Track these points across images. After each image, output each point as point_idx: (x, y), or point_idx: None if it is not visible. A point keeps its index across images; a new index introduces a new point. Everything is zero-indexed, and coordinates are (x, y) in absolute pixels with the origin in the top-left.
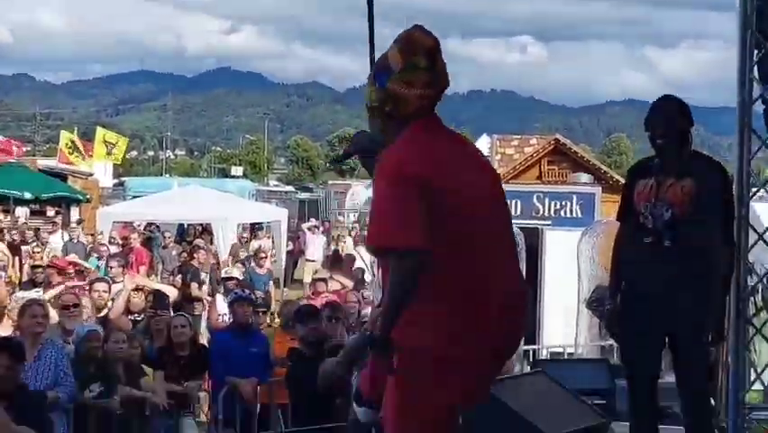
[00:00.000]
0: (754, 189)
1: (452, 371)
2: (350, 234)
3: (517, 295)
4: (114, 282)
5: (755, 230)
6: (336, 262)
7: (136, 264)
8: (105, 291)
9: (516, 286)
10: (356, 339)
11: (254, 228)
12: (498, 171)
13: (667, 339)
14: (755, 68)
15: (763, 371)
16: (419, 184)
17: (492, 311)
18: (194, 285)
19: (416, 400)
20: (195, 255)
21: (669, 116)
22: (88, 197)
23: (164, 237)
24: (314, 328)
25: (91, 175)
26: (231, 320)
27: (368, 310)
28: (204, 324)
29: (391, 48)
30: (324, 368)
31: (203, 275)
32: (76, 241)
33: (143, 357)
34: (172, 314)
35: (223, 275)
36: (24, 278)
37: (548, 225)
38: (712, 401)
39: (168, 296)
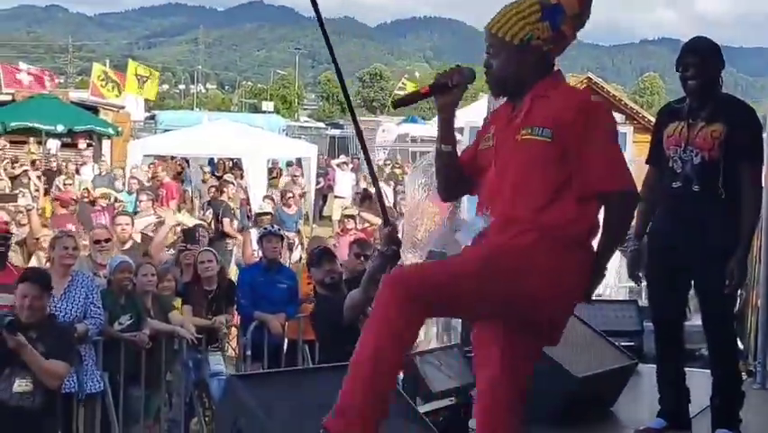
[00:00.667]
0: None
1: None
2: (382, 172)
3: None
4: (142, 216)
5: None
6: (366, 199)
7: (167, 199)
8: (127, 224)
9: None
10: (375, 260)
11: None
12: None
13: (693, 283)
14: None
15: None
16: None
17: None
18: (225, 221)
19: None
20: (224, 190)
21: (701, 58)
22: (120, 129)
23: (203, 171)
24: (329, 270)
25: (123, 108)
26: (260, 256)
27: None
28: (234, 259)
29: None
30: (351, 303)
31: (234, 210)
32: (104, 174)
33: (176, 291)
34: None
35: (257, 210)
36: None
37: None
38: (741, 345)
39: (198, 230)
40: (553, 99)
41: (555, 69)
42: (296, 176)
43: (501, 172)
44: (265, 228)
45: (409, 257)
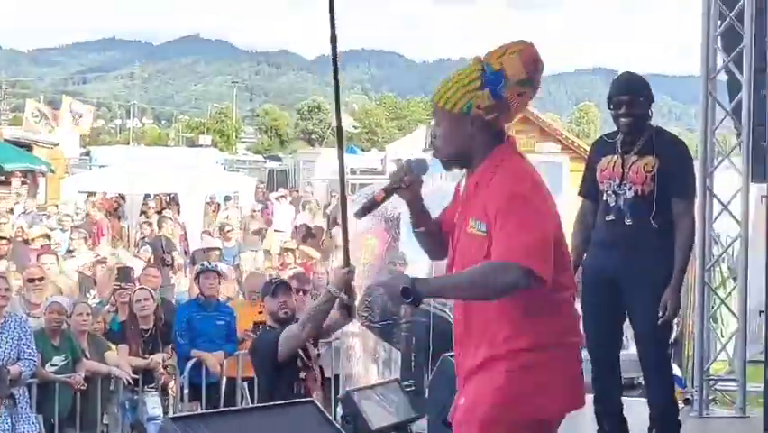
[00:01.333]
0: (718, 160)
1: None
2: (323, 207)
3: None
4: (72, 256)
5: (720, 201)
6: (308, 237)
7: (98, 236)
8: (52, 264)
9: None
10: (322, 299)
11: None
12: None
13: (628, 313)
14: (719, 38)
15: (728, 342)
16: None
17: None
18: (166, 256)
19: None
20: (162, 226)
21: (631, 96)
22: (53, 167)
23: (149, 207)
24: (284, 303)
25: (57, 144)
26: (197, 293)
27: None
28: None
29: (505, 53)
30: (287, 335)
31: (174, 246)
32: (37, 212)
33: (108, 331)
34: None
35: (199, 246)
36: None
37: None
38: (679, 372)
39: (132, 269)
40: (491, 186)
41: (507, 137)
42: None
43: (458, 265)
44: (202, 264)
45: None
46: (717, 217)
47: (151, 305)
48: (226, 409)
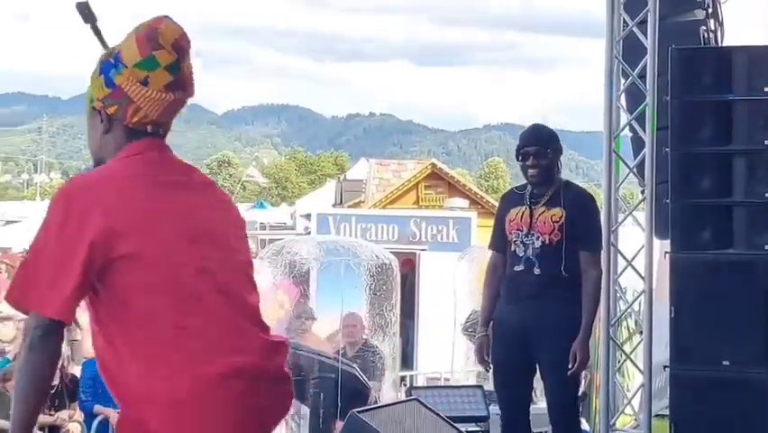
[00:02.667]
0: (622, 216)
1: None
2: None
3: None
4: None
5: (624, 257)
6: None
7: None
8: None
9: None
10: None
11: None
12: (376, 196)
13: (538, 366)
14: (622, 96)
15: (633, 396)
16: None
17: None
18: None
19: None
20: None
21: (538, 147)
22: None
23: None
24: None
25: None
26: None
27: None
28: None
29: (128, 35)
30: None
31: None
32: None
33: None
34: None
35: None
36: None
37: (424, 249)
38: (587, 426)
39: None
40: None
41: (143, 140)
42: None
43: None
44: None
45: None
46: (621, 273)
47: None
48: None
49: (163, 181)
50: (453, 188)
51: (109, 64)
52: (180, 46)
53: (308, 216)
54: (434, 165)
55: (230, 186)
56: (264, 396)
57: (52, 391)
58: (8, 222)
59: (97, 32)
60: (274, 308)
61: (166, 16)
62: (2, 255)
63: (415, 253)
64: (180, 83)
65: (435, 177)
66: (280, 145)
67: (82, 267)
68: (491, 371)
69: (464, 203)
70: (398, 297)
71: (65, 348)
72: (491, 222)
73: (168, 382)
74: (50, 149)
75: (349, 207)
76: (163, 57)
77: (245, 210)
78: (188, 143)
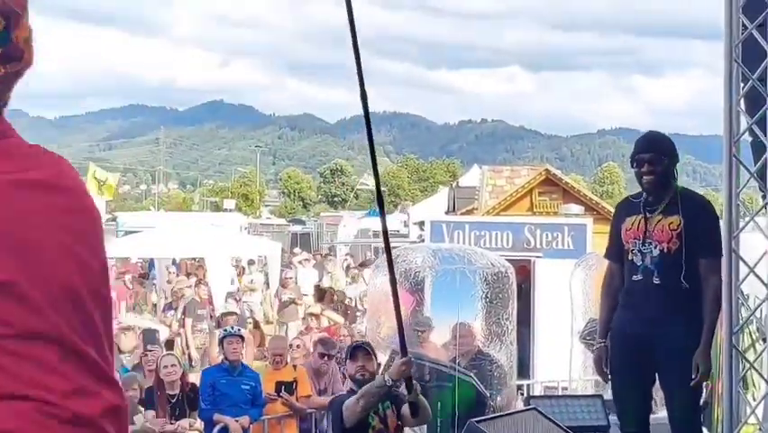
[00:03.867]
0: (743, 221)
1: None
2: (344, 269)
3: None
4: None
5: (746, 263)
6: (322, 298)
7: (117, 301)
8: None
9: None
10: (375, 383)
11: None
12: (490, 203)
13: (658, 376)
14: (741, 100)
15: (757, 405)
16: None
17: None
18: (189, 321)
19: None
20: (189, 290)
21: (654, 154)
22: None
23: (168, 271)
24: (362, 367)
25: None
26: (222, 357)
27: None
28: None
29: None
30: (347, 405)
31: (200, 310)
32: None
33: (140, 399)
34: (164, 351)
35: (223, 311)
36: None
37: (539, 256)
38: None
39: (157, 331)
40: None
41: None
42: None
43: None
44: (225, 330)
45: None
46: (744, 279)
47: (178, 371)
48: None
49: None
50: (568, 193)
51: None
52: (9, 9)
53: (422, 224)
54: (547, 171)
55: (342, 194)
56: None
57: (173, 401)
58: (127, 232)
59: None
60: (389, 316)
61: None
62: (122, 265)
63: (530, 261)
64: (12, 53)
65: (549, 183)
66: (392, 153)
67: None
68: (610, 380)
69: (579, 209)
70: (515, 305)
71: (186, 356)
72: (607, 228)
73: None
74: (167, 159)
75: (462, 214)
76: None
77: (358, 218)
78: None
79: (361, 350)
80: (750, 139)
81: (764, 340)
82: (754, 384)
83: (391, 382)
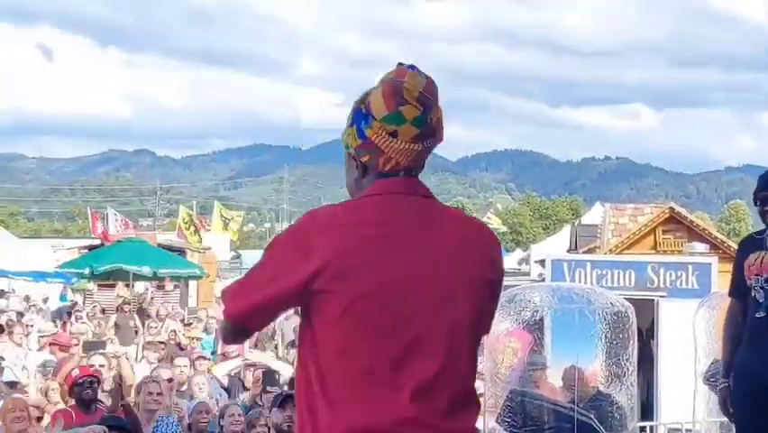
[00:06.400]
0: None
1: None
2: None
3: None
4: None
5: None
6: None
7: None
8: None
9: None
10: None
11: None
12: (612, 241)
13: None
14: None
15: None
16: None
17: None
18: None
19: None
20: None
21: None
22: (205, 271)
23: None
24: (290, 417)
25: (208, 249)
26: None
27: None
28: None
29: (375, 87)
30: None
31: None
32: (189, 316)
33: None
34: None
35: None
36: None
37: (663, 296)
38: None
39: (278, 372)
40: None
41: (390, 179)
42: None
43: None
44: None
45: (491, 392)
46: None
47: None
48: None
49: (387, 232)
50: (693, 232)
51: (360, 115)
52: (426, 98)
53: (542, 262)
54: (672, 209)
55: None
56: None
57: None
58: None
59: None
60: (507, 355)
61: (411, 66)
62: None
63: (653, 300)
64: (428, 133)
65: (674, 221)
66: (514, 191)
67: (285, 289)
68: (735, 421)
69: (704, 248)
70: (635, 345)
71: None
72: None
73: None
74: (290, 198)
75: (584, 252)
76: (409, 112)
77: None
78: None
79: (291, 400)
80: None
81: None
82: None
83: None
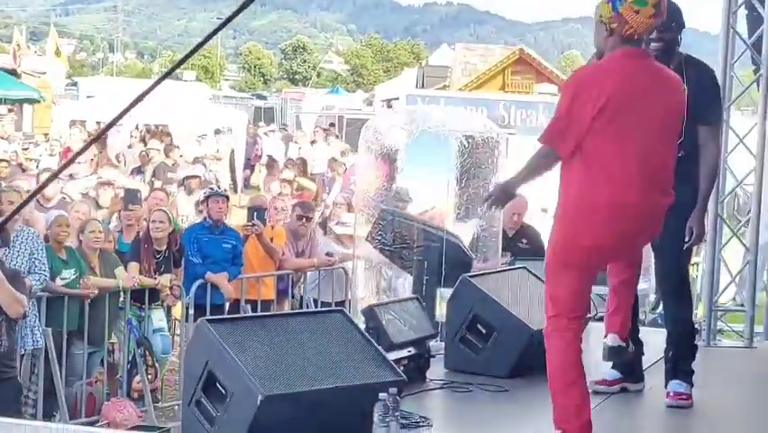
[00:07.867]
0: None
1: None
2: (311, 143)
3: None
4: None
5: (737, 134)
6: (301, 165)
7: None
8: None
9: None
10: None
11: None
12: (462, 80)
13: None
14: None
15: (737, 274)
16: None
17: None
18: (158, 184)
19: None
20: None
21: (665, 21)
22: (43, 95)
23: (131, 137)
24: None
25: (44, 73)
26: (205, 216)
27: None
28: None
29: None
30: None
31: (170, 174)
32: (25, 140)
33: (115, 251)
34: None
35: (186, 174)
36: None
37: (513, 134)
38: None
39: (139, 191)
40: None
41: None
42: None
43: None
44: (210, 188)
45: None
46: (732, 150)
47: (167, 228)
48: (254, 315)
49: (633, 73)
50: (540, 74)
51: None
52: None
53: (389, 102)
54: (521, 50)
55: (304, 71)
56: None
57: (159, 257)
58: (88, 97)
59: None
60: (374, 179)
61: None
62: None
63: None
64: (659, 12)
65: (523, 62)
66: (356, 32)
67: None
68: None
69: (553, 88)
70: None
71: (171, 218)
72: None
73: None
74: (124, 28)
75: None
76: (653, 2)
77: (321, 96)
78: (263, 27)
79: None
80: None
81: (749, 212)
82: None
83: None
